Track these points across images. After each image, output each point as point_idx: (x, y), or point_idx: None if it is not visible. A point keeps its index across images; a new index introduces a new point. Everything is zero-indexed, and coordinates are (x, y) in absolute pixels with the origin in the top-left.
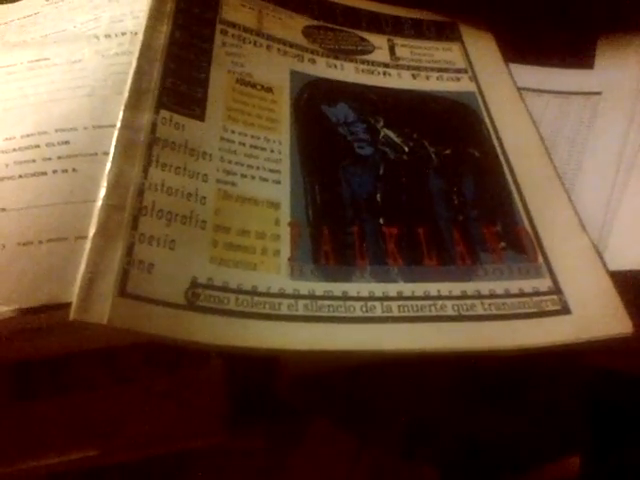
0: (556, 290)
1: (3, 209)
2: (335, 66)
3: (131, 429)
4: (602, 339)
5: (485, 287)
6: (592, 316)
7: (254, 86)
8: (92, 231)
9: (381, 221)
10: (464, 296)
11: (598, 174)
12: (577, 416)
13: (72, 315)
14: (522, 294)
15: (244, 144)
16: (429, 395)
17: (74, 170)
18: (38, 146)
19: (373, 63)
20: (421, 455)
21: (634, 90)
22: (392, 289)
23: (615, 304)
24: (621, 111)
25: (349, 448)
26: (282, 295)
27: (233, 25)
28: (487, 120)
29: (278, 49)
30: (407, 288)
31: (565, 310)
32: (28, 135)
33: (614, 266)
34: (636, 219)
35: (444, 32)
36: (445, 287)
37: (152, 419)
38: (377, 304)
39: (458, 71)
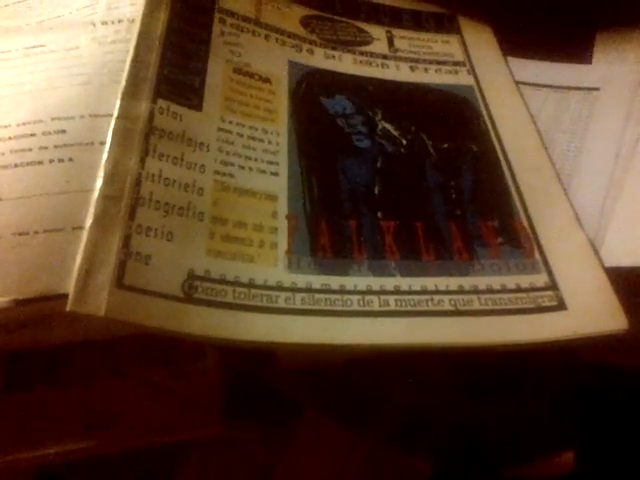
0: (552, 286)
1: None
2: (333, 57)
3: (127, 420)
4: (598, 335)
5: (482, 282)
6: (588, 312)
7: (252, 76)
8: (89, 222)
9: (379, 215)
10: (461, 291)
11: (595, 169)
12: (572, 410)
13: (69, 306)
14: (519, 289)
15: (242, 135)
16: (424, 388)
17: (70, 159)
18: (34, 134)
19: (371, 54)
20: (416, 447)
21: (632, 85)
22: (389, 283)
23: (611, 300)
24: (619, 106)
25: (343, 440)
26: (279, 288)
27: (231, 14)
28: (485, 114)
29: (276, 39)
30: (404, 282)
31: (561, 306)
32: (24, 123)
33: (610, 262)
34: (633, 215)
35: (443, 24)
36: (442, 282)
37: (148, 410)
38: (374, 298)
39: (456, 64)
